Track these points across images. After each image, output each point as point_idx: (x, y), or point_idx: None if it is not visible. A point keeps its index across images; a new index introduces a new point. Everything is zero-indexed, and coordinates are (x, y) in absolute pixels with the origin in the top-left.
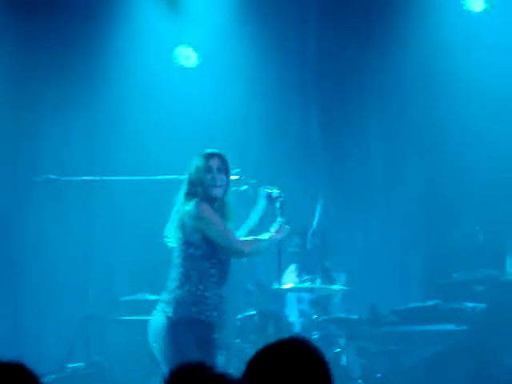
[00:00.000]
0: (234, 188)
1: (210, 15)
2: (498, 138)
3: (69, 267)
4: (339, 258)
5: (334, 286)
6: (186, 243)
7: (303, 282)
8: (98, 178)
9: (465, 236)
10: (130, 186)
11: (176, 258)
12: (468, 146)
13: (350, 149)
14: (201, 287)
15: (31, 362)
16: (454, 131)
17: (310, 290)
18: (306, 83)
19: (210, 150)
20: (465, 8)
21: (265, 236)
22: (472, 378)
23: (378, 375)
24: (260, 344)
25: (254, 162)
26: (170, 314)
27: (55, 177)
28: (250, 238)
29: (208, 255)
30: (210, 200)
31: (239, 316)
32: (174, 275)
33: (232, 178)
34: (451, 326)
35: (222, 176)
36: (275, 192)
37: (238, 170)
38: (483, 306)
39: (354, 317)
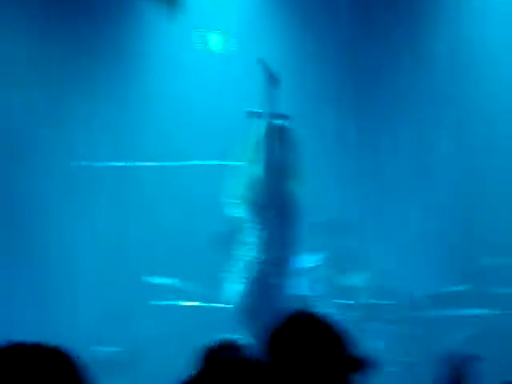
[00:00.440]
0: None
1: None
2: None
3: (99, 253)
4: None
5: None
6: None
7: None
8: (129, 164)
9: (500, 222)
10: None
11: None
12: (503, 129)
13: (383, 142)
14: None
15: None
16: (487, 116)
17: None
18: (342, 79)
19: None
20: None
21: None
22: (504, 362)
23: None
24: None
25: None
26: None
27: (87, 163)
28: None
29: None
30: None
31: None
32: None
33: None
34: (484, 311)
35: None
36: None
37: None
38: None
39: (391, 302)
